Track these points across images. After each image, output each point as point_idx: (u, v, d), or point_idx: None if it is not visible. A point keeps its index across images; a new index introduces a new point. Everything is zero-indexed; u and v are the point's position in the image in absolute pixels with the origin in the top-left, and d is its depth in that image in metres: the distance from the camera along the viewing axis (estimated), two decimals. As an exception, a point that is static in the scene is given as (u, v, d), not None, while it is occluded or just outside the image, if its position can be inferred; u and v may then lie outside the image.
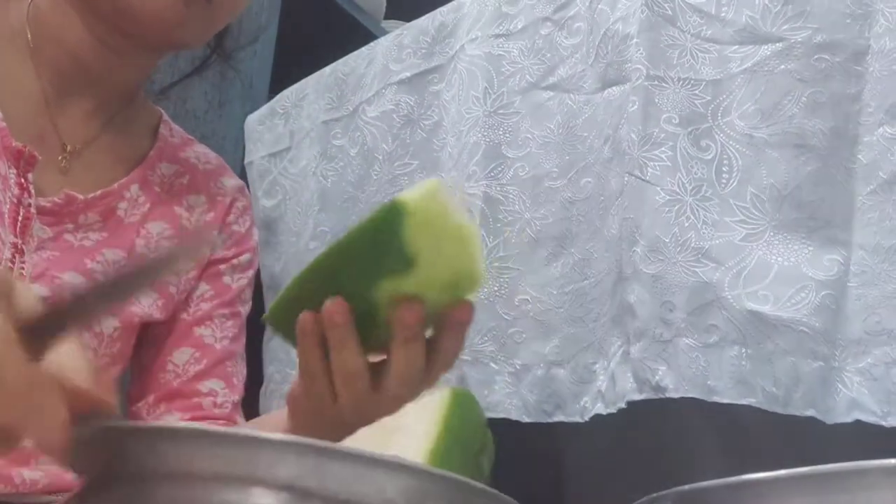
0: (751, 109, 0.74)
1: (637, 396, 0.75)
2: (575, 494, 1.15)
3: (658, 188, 0.76)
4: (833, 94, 0.73)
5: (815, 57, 0.73)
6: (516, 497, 0.48)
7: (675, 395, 0.72)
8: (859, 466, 0.36)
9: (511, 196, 0.89)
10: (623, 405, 0.76)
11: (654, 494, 0.42)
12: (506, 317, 0.87)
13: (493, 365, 0.87)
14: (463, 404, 0.50)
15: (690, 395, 0.71)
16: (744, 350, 0.71)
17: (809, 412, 0.69)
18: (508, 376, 0.86)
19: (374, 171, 1.04)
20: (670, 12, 0.78)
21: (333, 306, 0.58)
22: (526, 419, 0.84)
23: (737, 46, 0.76)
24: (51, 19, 0.83)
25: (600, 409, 0.78)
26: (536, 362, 0.85)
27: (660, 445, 0.92)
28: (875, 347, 0.70)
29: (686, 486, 0.41)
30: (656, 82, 0.78)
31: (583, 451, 1.12)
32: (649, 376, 0.74)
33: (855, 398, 0.69)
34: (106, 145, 0.88)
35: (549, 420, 0.83)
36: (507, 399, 0.86)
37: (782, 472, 0.37)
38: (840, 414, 0.69)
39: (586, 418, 0.80)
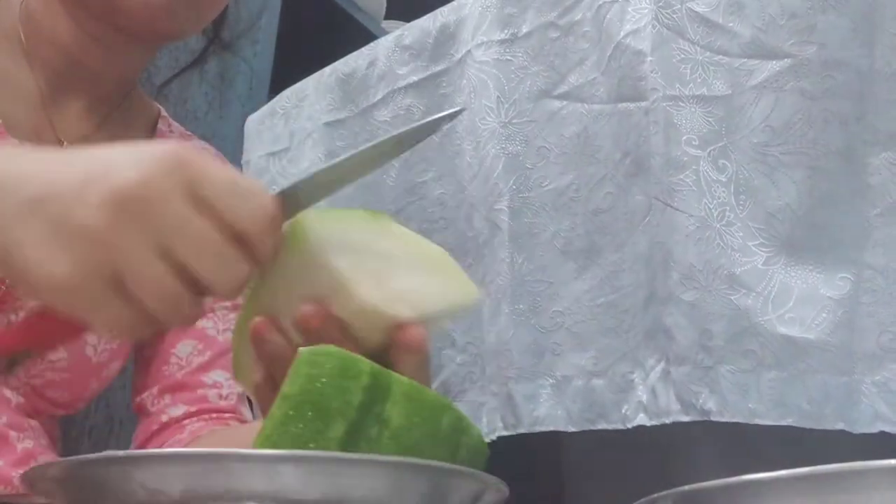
0: (762, 127, 0.75)
1: (684, 418, 0.77)
2: (576, 494, 1.15)
3: (687, 214, 0.77)
4: (840, 113, 0.74)
5: (823, 75, 0.74)
6: (518, 497, 0.48)
7: (720, 419, 0.74)
8: (859, 467, 0.36)
9: (535, 208, 0.89)
10: (668, 421, 0.78)
11: (655, 495, 0.43)
12: (541, 330, 0.88)
13: (537, 379, 0.88)
14: (309, 362, 0.49)
15: (735, 420, 0.74)
16: (779, 373, 0.73)
17: (839, 425, 0.71)
18: (551, 388, 0.87)
19: (388, 177, 1.04)
20: (678, 23, 0.79)
21: (311, 311, 0.54)
22: (572, 429, 0.85)
23: (745, 60, 0.76)
24: (42, 18, 0.84)
25: (643, 419, 0.80)
26: (576, 373, 0.86)
27: (660, 445, 0.92)
28: (891, 363, 0.72)
29: (686, 487, 0.41)
30: (672, 102, 0.79)
31: (583, 451, 1.12)
32: (693, 400, 0.76)
33: (877, 409, 0.71)
34: (103, 142, 0.88)
35: (593, 428, 0.84)
36: (552, 411, 0.86)
37: (782, 472, 0.37)
38: (865, 424, 0.71)
39: (628, 426, 0.81)
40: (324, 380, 0.48)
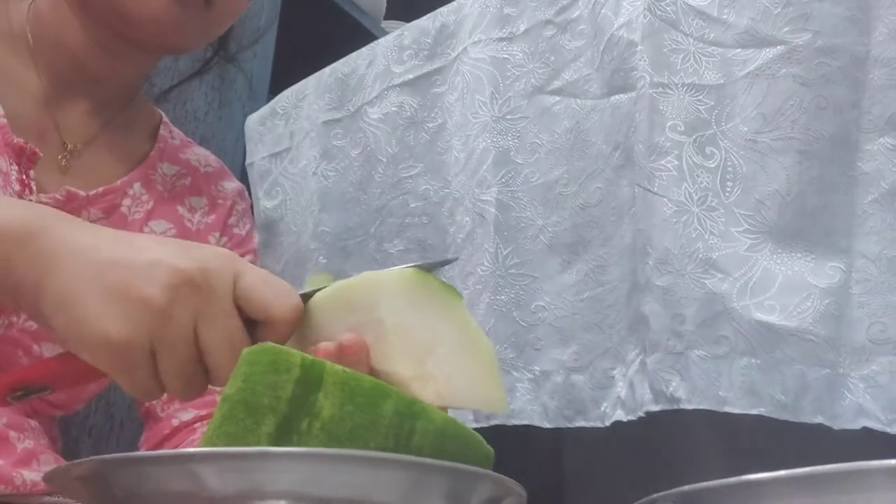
0: (753, 114, 0.74)
1: (654, 407, 0.75)
2: (576, 494, 1.15)
3: (665, 199, 0.76)
4: (834, 99, 0.73)
5: (817, 61, 0.73)
6: (518, 497, 0.48)
7: (689, 407, 0.73)
8: (859, 467, 0.36)
9: (523, 202, 0.89)
10: (642, 414, 0.77)
11: (655, 495, 0.43)
12: (522, 324, 0.87)
13: (514, 373, 0.87)
14: (248, 362, 0.49)
15: (703, 407, 0.72)
16: (753, 360, 0.71)
17: (818, 419, 0.70)
18: (528, 383, 0.86)
19: (377, 173, 1.04)
20: (672, 15, 0.78)
21: (353, 340, 0.57)
22: (547, 425, 0.84)
23: (739, 50, 0.75)
24: (50, 21, 0.84)
25: (620, 415, 0.79)
26: (556, 369, 0.85)
27: (660, 445, 0.92)
28: (879, 356, 0.70)
29: (686, 487, 0.41)
30: (660, 89, 0.78)
31: (584, 451, 1.12)
32: (664, 388, 0.74)
33: (861, 405, 0.70)
34: (106, 145, 0.88)
35: (571, 425, 0.83)
36: (528, 406, 0.86)
37: (782, 472, 0.37)
38: (847, 420, 0.70)
39: (607, 423, 0.80)
40: (256, 377, 0.48)
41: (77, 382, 0.61)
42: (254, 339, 0.55)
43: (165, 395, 0.58)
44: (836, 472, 0.36)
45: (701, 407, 0.72)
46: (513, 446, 0.87)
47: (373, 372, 0.56)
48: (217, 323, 0.53)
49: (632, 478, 1.01)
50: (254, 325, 0.55)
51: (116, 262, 0.54)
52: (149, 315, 0.52)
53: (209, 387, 0.87)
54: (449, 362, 0.56)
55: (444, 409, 0.56)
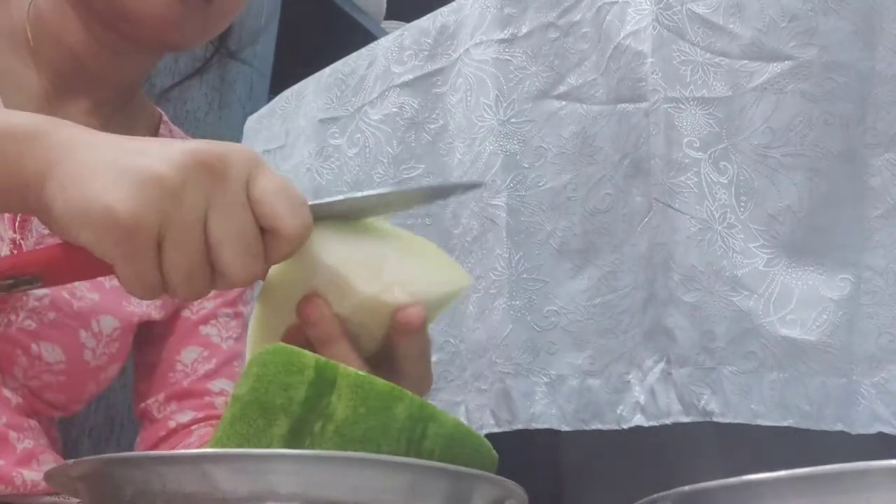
0: (762, 128, 0.75)
1: (685, 419, 0.77)
2: (575, 494, 1.15)
3: (688, 216, 0.77)
4: (841, 115, 0.74)
5: (824, 77, 0.74)
6: (517, 498, 0.48)
7: (723, 420, 0.74)
8: (859, 467, 0.36)
9: (532, 207, 0.90)
10: (668, 423, 0.78)
11: (655, 495, 0.43)
12: (537, 328, 0.88)
13: (531, 377, 0.88)
14: (258, 362, 0.49)
15: (737, 421, 0.74)
16: (781, 374, 0.73)
17: (839, 426, 0.72)
18: (545, 387, 0.87)
19: (376, 173, 1.04)
20: (679, 24, 0.79)
21: (306, 303, 0.56)
22: (565, 428, 0.85)
23: (746, 61, 0.76)
24: (50, 18, 0.84)
25: (641, 420, 0.80)
26: (571, 373, 0.86)
27: (660, 446, 0.92)
28: (889, 364, 0.72)
29: (686, 487, 0.41)
30: (674, 104, 0.79)
31: (583, 451, 1.12)
32: (695, 401, 0.76)
33: (875, 410, 0.72)
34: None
35: (587, 428, 0.84)
36: (546, 409, 0.87)
37: (782, 472, 0.37)
38: (863, 426, 0.72)
39: (624, 426, 0.81)
40: (269, 378, 0.48)
41: (70, 276, 0.57)
42: None
43: (166, 297, 0.56)
44: (836, 473, 0.36)
45: (735, 421, 0.74)
46: (512, 447, 0.87)
47: (341, 317, 0.56)
48: (230, 212, 0.51)
49: (632, 478, 1.01)
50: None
51: (128, 149, 0.52)
52: (159, 192, 0.49)
53: (207, 376, 0.87)
54: (403, 266, 0.57)
55: (422, 306, 0.56)
